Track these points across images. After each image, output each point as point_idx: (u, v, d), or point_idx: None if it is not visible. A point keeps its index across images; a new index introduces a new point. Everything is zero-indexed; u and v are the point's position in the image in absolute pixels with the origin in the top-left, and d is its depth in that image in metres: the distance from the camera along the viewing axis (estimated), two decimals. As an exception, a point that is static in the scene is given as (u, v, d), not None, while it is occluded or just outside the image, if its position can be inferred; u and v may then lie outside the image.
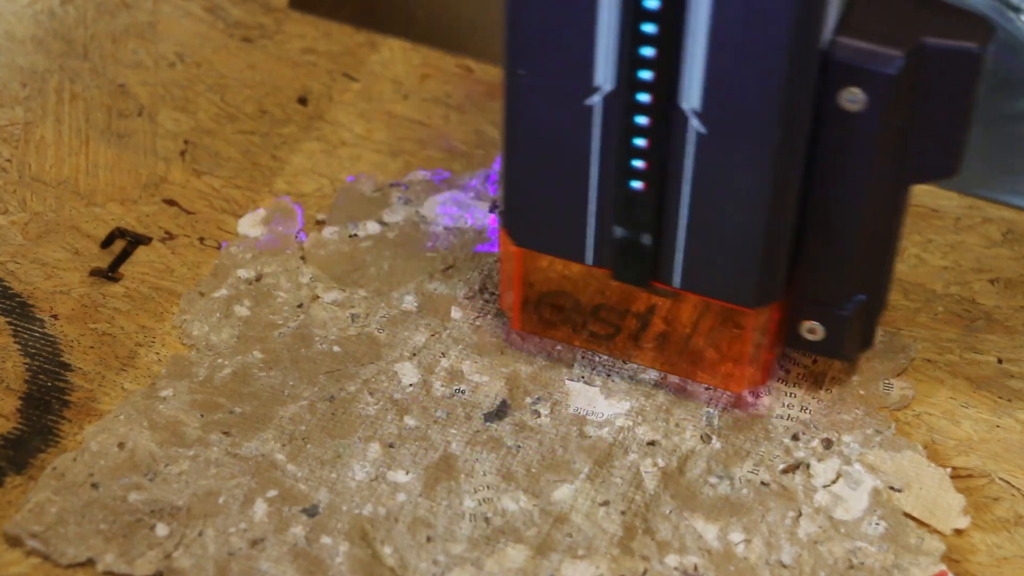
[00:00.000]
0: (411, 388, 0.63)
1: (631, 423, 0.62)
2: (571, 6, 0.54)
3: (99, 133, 0.72)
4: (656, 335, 0.62)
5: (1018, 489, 0.61)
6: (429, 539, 0.58)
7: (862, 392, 0.63)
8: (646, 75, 0.54)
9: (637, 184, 0.57)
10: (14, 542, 0.58)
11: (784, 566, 0.58)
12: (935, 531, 0.59)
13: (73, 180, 0.70)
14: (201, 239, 0.68)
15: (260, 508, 0.59)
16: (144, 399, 0.62)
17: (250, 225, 0.69)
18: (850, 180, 0.57)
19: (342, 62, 0.76)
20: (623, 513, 0.59)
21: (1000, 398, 0.64)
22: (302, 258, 0.67)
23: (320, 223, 0.69)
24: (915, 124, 0.56)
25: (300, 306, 0.66)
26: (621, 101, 0.56)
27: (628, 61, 0.54)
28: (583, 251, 0.60)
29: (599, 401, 0.63)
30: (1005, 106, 0.75)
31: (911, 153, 0.56)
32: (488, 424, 0.62)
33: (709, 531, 0.59)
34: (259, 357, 0.64)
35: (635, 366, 0.63)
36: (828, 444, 0.61)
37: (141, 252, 0.68)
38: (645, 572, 0.58)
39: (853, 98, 0.55)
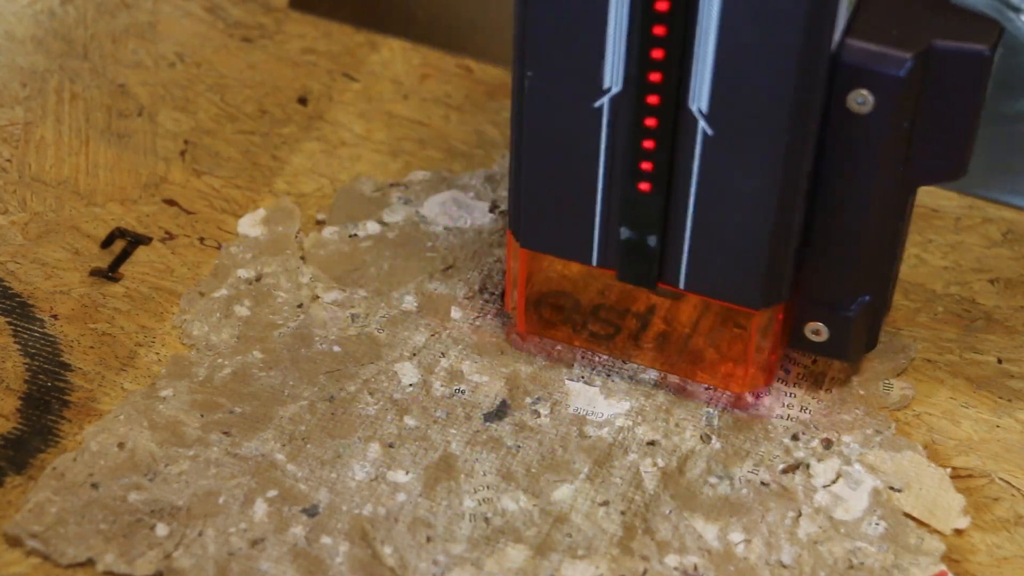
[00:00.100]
0: (411, 388, 0.63)
1: (631, 423, 0.62)
2: (581, 9, 0.54)
3: (99, 133, 0.72)
4: (656, 335, 0.62)
5: (1018, 489, 0.61)
6: (429, 539, 0.58)
7: (862, 392, 0.63)
8: (655, 77, 0.54)
9: (644, 185, 0.57)
10: (14, 542, 0.58)
11: (784, 566, 0.58)
12: (935, 531, 0.59)
13: (73, 180, 0.70)
14: (201, 239, 0.68)
15: (260, 508, 0.59)
16: (144, 399, 0.62)
17: (250, 225, 0.69)
18: (857, 181, 0.57)
19: (342, 62, 0.76)
20: (623, 513, 0.59)
21: (1000, 398, 0.64)
22: (302, 258, 0.67)
23: (320, 223, 0.69)
24: (923, 126, 0.56)
25: (300, 306, 0.66)
26: (629, 103, 0.56)
27: (637, 63, 0.54)
28: (589, 252, 0.60)
29: (599, 401, 0.63)
30: (1005, 106, 0.75)
31: (918, 155, 0.56)
32: (488, 424, 0.62)
33: (709, 531, 0.59)
34: (259, 357, 0.64)
35: (635, 366, 0.63)
36: (828, 444, 0.61)
37: (141, 252, 0.68)
38: (645, 572, 0.58)
39: (861, 100, 0.55)
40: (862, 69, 0.54)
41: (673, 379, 0.63)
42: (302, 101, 0.74)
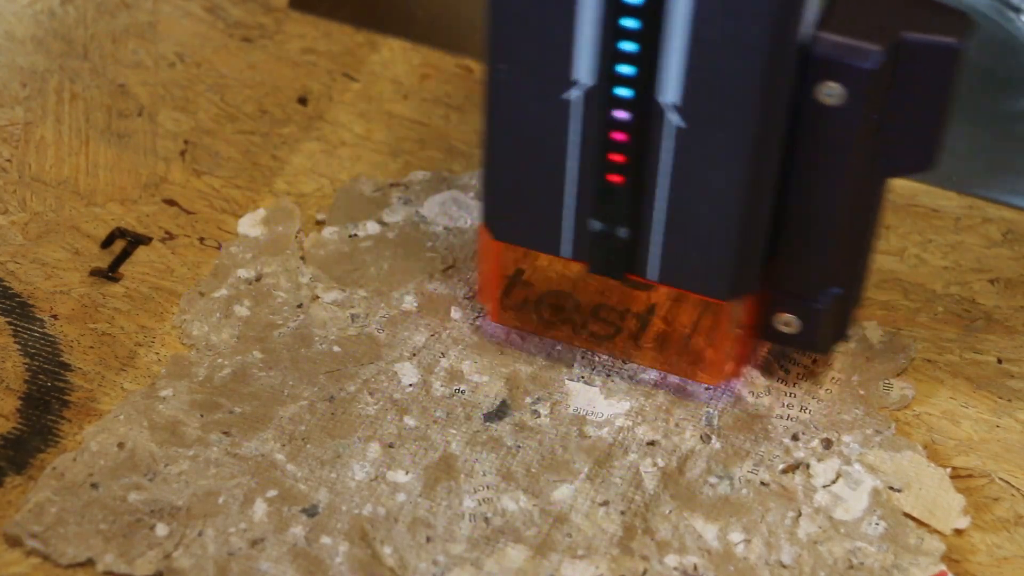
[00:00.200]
0: (411, 388, 0.63)
1: (631, 423, 0.62)
2: (551, 1, 0.54)
3: (99, 133, 0.72)
4: (655, 335, 0.62)
5: (1018, 489, 0.61)
6: (429, 539, 0.58)
7: (862, 392, 0.63)
8: (625, 70, 0.55)
9: (615, 178, 0.57)
10: (14, 542, 0.58)
11: (784, 566, 0.58)
12: (935, 531, 0.59)
13: (73, 180, 0.70)
14: (201, 239, 0.68)
15: (260, 508, 0.59)
16: (144, 399, 0.62)
17: (250, 225, 0.69)
18: (827, 173, 0.57)
19: (342, 62, 0.76)
20: (623, 513, 0.59)
21: (1000, 398, 0.64)
22: (302, 258, 0.67)
23: (320, 223, 0.69)
24: (893, 118, 0.56)
25: (300, 306, 0.66)
26: (600, 95, 0.56)
27: (607, 56, 0.55)
28: (560, 244, 0.60)
29: (599, 401, 0.63)
30: (1005, 106, 0.75)
31: (889, 147, 0.57)
32: (488, 424, 0.62)
33: (709, 531, 0.59)
34: (259, 357, 0.64)
35: (635, 366, 0.63)
36: (828, 444, 0.61)
37: (141, 252, 0.68)
38: (645, 572, 0.58)
39: (832, 92, 0.55)
40: (833, 62, 0.54)
41: (673, 379, 0.63)
42: (302, 101, 0.74)
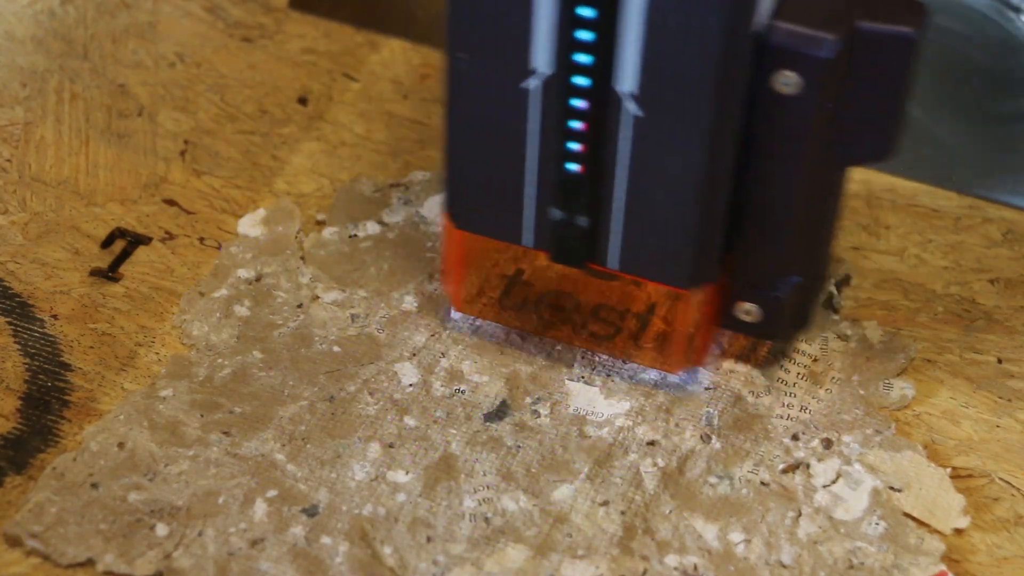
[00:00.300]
0: (411, 388, 0.63)
1: (631, 423, 0.62)
2: None
3: (99, 133, 0.72)
4: (656, 334, 0.62)
5: (1018, 489, 0.61)
6: (429, 539, 0.58)
7: (862, 392, 0.63)
8: (583, 58, 0.55)
9: (574, 167, 0.58)
10: (14, 542, 0.58)
11: (784, 566, 0.58)
12: (935, 531, 0.59)
13: (73, 180, 0.70)
14: (201, 239, 0.68)
15: (260, 508, 0.59)
16: (144, 399, 0.62)
17: (250, 225, 0.69)
18: (784, 162, 0.57)
19: (342, 62, 0.76)
20: (623, 513, 0.59)
21: (1000, 398, 0.64)
22: (302, 258, 0.67)
23: (320, 223, 0.69)
24: (850, 107, 0.56)
25: (300, 306, 0.66)
26: (558, 84, 0.56)
27: (565, 44, 0.55)
28: (521, 233, 0.60)
29: (599, 401, 0.63)
30: (1005, 106, 0.75)
31: (846, 136, 0.57)
32: (488, 424, 0.62)
33: (709, 531, 0.59)
34: (259, 357, 0.64)
35: (635, 366, 0.63)
36: (828, 444, 0.61)
37: (141, 252, 0.68)
38: (645, 572, 0.58)
39: (788, 81, 0.55)
40: (788, 51, 0.55)
41: (673, 379, 0.63)
42: (302, 101, 0.74)
